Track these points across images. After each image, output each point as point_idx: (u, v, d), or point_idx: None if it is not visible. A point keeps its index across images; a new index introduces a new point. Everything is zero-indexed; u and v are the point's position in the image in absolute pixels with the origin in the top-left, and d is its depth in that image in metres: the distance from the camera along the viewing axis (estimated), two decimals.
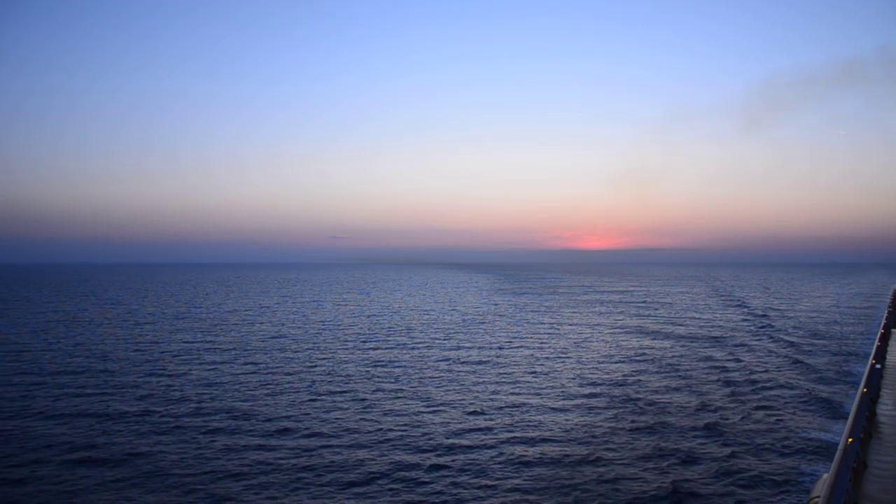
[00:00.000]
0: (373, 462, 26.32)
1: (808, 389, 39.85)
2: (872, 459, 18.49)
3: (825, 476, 15.02)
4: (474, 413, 34.26)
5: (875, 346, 36.48)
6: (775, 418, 33.07)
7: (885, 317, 56.03)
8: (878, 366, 28.49)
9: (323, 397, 38.27)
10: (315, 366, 49.43)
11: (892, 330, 47.72)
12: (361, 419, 33.07)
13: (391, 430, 31.03)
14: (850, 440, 16.32)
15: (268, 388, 40.99)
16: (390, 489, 23.46)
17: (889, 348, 39.42)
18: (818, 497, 13.70)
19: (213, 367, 49.12)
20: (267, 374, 46.14)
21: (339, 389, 40.57)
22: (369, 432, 30.64)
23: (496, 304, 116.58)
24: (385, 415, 34.04)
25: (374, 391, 39.93)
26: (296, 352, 56.95)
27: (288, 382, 42.86)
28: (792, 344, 61.08)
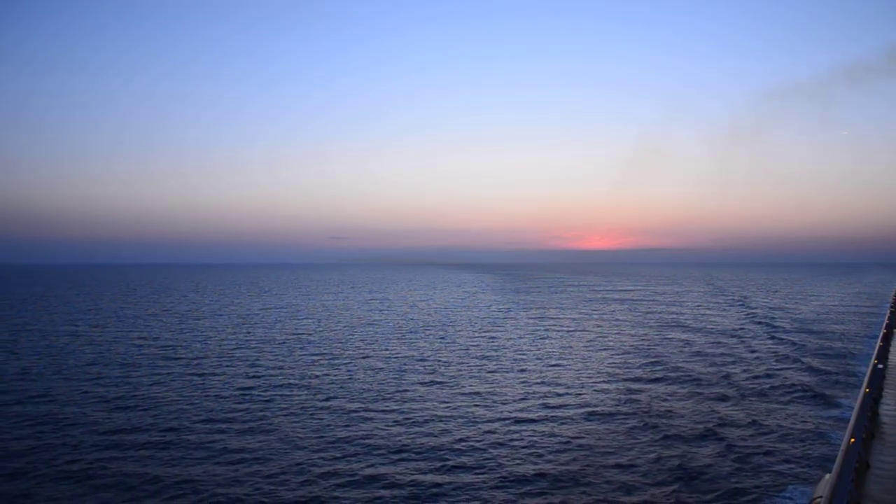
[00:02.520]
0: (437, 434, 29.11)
1: (810, 389, 39.90)
2: (875, 459, 18.54)
3: (828, 476, 15.09)
4: (521, 400, 36.82)
5: (877, 347, 36.58)
6: (777, 418, 33.16)
7: (887, 317, 56.06)
8: (880, 366, 28.55)
9: (388, 381, 43.35)
10: (368, 356, 54.22)
11: (894, 330, 47.71)
12: (417, 399, 37.96)
13: (452, 409, 33.89)
14: (852, 440, 16.37)
15: (340, 371, 47.19)
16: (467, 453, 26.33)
17: (891, 348, 39.47)
18: (821, 497, 13.76)
19: (281, 355, 54.60)
20: (334, 358, 53.40)
21: (401, 370, 47.68)
22: (425, 408, 35.93)
23: (514, 303, 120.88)
24: (440, 400, 37.87)
25: (420, 381, 43.70)
26: (347, 343, 62.84)
27: (353, 369, 48.54)
28: (794, 343, 61.12)
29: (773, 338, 66.04)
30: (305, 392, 39.83)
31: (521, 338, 66.42)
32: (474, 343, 62.35)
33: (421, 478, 24.72)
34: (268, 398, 38.07)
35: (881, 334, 42.93)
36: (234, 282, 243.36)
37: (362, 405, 36.26)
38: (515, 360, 52.25)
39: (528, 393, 39.51)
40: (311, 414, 34.38)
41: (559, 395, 39.04)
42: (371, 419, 33.21)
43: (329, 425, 32.04)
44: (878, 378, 26.77)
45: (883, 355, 34.86)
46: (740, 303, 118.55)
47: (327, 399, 37.86)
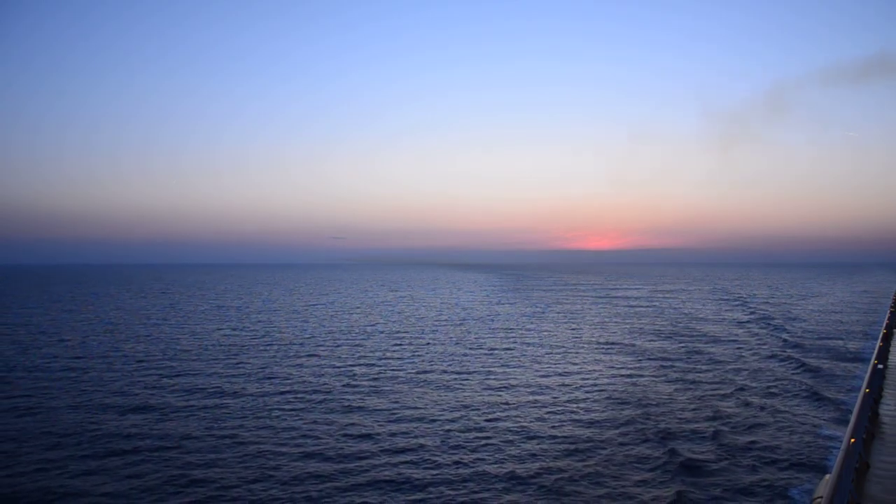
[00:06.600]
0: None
1: (810, 389, 40.04)
2: (875, 460, 18.65)
3: (828, 476, 15.17)
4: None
5: (877, 347, 36.61)
6: (777, 418, 33.31)
7: (887, 317, 56.04)
8: (880, 366, 28.62)
9: (451, 375, 46.97)
10: (429, 345, 60.59)
11: (894, 330, 47.75)
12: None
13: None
14: (852, 440, 16.44)
15: (423, 356, 53.24)
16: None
17: (891, 349, 39.53)
18: (821, 497, 13.85)
19: (358, 344, 61.03)
20: (409, 344, 60.64)
21: (474, 353, 54.87)
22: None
23: (531, 300, 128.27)
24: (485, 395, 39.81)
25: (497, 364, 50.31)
26: (413, 333, 70.45)
27: (428, 356, 54.12)
28: (794, 344, 61.23)
29: (772, 337, 66.17)
30: (402, 375, 45.14)
31: (557, 332, 71.82)
32: (523, 336, 67.94)
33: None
34: (378, 387, 41.57)
35: (881, 334, 42.94)
36: (251, 281, 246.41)
37: (456, 387, 41.46)
38: (566, 350, 58.62)
39: (580, 378, 44.96)
40: (411, 393, 39.45)
41: (589, 385, 40.51)
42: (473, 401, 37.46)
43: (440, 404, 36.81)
44: (878, 378, 26.85)
45: (883, 355, 34.92)
46: (741, 303, 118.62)
47: (419, 373, 45.35)
